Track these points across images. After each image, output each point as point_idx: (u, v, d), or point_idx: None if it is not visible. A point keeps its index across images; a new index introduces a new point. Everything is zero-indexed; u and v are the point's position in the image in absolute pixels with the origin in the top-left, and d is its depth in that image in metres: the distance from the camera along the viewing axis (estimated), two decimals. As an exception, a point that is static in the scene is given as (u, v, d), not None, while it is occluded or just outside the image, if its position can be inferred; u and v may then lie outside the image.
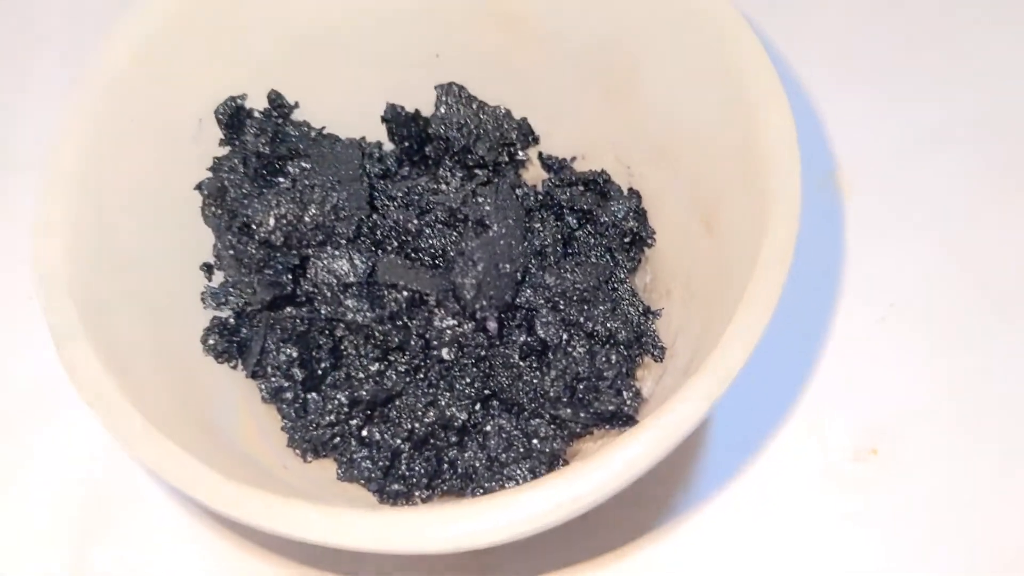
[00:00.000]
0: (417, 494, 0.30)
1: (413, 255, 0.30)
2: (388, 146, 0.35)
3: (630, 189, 0.34)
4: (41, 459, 0.36)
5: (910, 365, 0.37)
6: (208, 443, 0.26)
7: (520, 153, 0.35)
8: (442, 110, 0.34)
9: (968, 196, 0.40)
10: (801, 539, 0.34)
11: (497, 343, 0.29)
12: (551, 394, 0.29)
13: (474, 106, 0.34)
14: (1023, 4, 0.44)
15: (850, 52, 0.44)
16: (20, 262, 0.39)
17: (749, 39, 0.27)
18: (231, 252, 0.29)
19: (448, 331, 0.29)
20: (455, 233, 0.30)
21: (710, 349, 0.24)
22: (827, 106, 0.42)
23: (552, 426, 0.29)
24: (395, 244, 0.30)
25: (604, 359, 0.29)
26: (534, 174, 0.36)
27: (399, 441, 0.30)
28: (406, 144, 0.34)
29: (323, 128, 0.33)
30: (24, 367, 0.38)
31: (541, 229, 0.32)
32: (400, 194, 0.32)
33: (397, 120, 0.34)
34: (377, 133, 0.35)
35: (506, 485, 0.29)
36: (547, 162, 0.35)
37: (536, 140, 0.35)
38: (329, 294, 0.29)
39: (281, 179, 0.30)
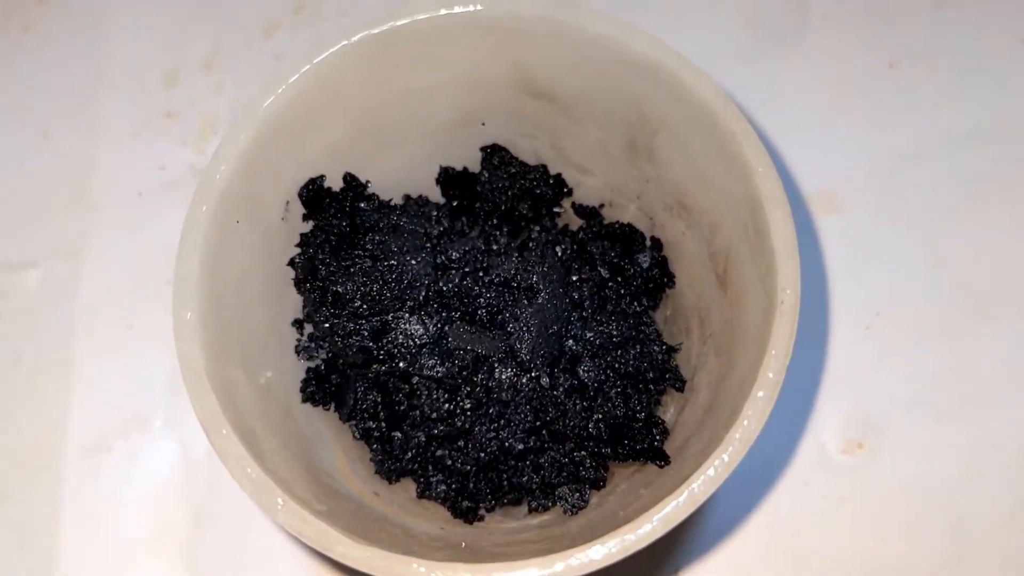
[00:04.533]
0: (483, 506, 0.37)
1: (474, 313, 0.36)
2: (441, 198, 0.40)
3: (652, 237, 0.39)
4: (148, 468, 0.43)
5: (893, 368, 0.43)
6: (321, 492, 0.32)
7: (556, 207, 0.40)
8: (486, 174, 0.39)
9: (942, 210, 0.46)
10: (800, 520, 0.41)
11: (548, 390, 0.35)
12: (593, 433, 0.35)
13: (515, 167, 0.39)
14: (979, 36, 0.49)
15: (836, 76, 0.48)
16: (113, 295, 0.45)
17: (754, 142, 0.32)
18: (327, 325, 0.35)
19: (507, 380, 0.35)
20: (509, 294, 0.36)
21: (730, 417, 0.30)
22: (813, 133, 0.47)
23: (594, 458, 0.35)
24: (459, 305, 0.36)
25: (636, 401, 0.35)
26: (567, 218, 0.41)
27: (468, 467, 0.36)
28: (456, 203, 0.40)
29: (390, 200, 0.38)
30: (131, 388, 0.44)
31: (578, 283, 0.37)
32: (458, 255, 0.37)
33: (449, 180, 0.39)
34: (432, 188, 0.40)
35: (557, 503, 0.36)
36: (579, 210, 0.40)
37: (570, 192, 0.40)
38: (408, 354, 0.35)
39: (359, 252, 0.36)
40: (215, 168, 0.32)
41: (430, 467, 0.36)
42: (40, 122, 0.48)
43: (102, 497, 0.42)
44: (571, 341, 0.36)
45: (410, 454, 0.36)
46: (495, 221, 0.39)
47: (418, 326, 0.35)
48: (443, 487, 0.36)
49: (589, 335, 0.36)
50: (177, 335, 0.30)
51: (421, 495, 0.37)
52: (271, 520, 0.29)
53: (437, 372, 0.35)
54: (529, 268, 0.36)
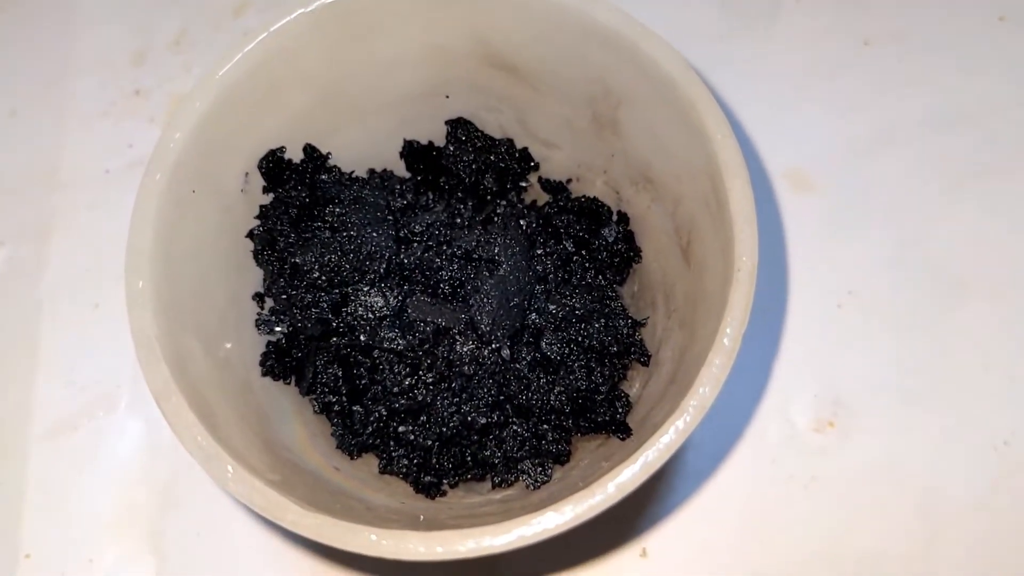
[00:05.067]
0: (446, 482, 0.36)
1: (436, 286, 0.36)
2: (407, 175, 0.40)
3: (619, 212, 0.39)
4: (114, 448, 0.42)
5: (865, 347, 0.43)
6: (277, 463, 0.32)
7: (522, 181, 0.40)
8: (452, 147, 0.39)
9: (915, 190, 0.45)
10: (768, 499, 0.41)
11: (510, 363, 0.35)
12: (555, 406, 0.35)
13: (480, 140, 0.39)
14: (956, 14, 0.48)
15: (809, 56, 0.48)
16: (79, 273, 0.44)
17: (714, 111, 0.31)
18: (284, 296, 0.34)
19: (468, 353, 0.35)
20: (471, 267, 0.36)
21: (687, 384, 0.29)
22: (786, 113, 0.47)
23: (557, 431, 0.35)
24: (420, 277, 0.36)
25: (600, 374, 0.35)
26: (535, 192, 0.41)
27: (430, 442, 0.36)
28: (421, 176, 0.39)
29: (352, 172, 0.38)
30: (97, 368, 0.43)
31: (543, 256, 0.37)
32: (421, 228, 0.37)
33: (413, 154, 0.39)
34: (397, 163, 0.40)
35: (520, 478, 0.35)
36: (546, 185, 0.40)
37: (536, 167, 0.40)
38: (368, 326, 0.34)
39: (319, 224, 0.35)
40: (169, 136, 0.32)
41: (392, 442, 0.36)
42: (7, 101, 0.47)
43: (67, 477, 0.42)
44: (534, 314, 0.36)
45: (371, 428, 0.35)
46: (460, 195, 0.39)
47: (378, 298, 0.35)
48: (405, 462, 0.36)
49: (552, 307, 0.36)
50: (129, 303, 0.30)
51: (383, 471, 0.36)
52: (221, 489, 0.29)
53: (397, 345, 0.34)
54: (490, 240, 0.35)
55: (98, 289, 0.44)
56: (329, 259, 0.34)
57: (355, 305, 0.35)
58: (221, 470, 0.28)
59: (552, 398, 0.35)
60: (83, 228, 0.45)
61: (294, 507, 0.28)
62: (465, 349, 0.34)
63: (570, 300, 0.36)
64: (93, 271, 0.44)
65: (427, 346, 0.35)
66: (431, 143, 0.40)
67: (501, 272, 0.35)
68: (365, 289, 0.35)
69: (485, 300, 0.34)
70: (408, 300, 0.35)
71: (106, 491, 0.41)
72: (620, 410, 0.35)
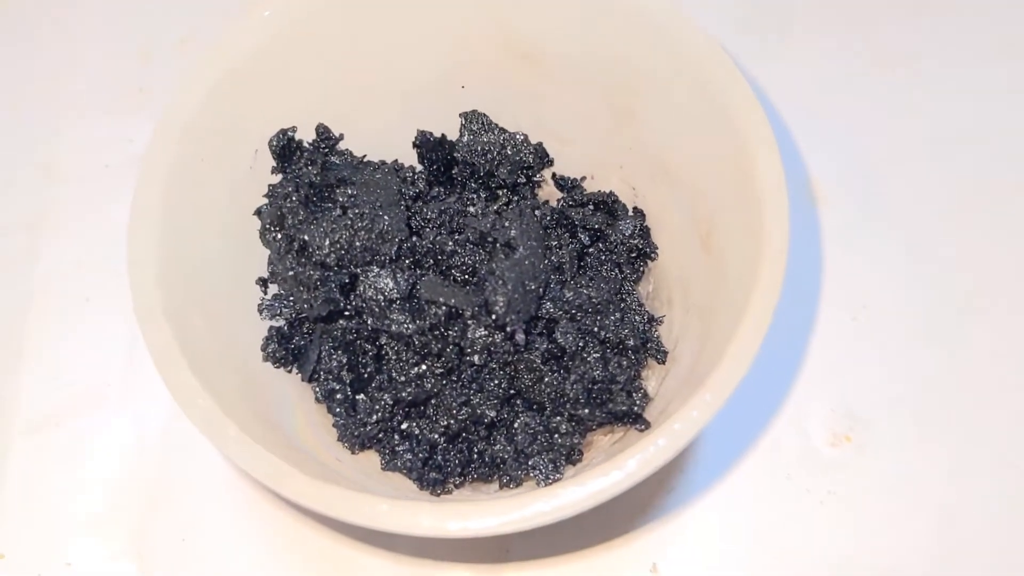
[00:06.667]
0: (452, 481, 0.34)
1: (447, 272, 0.34)
2: (419, 167, 0.39)
3: (635, 208, 0.38)
4: (98, 446, 0.40)
5: (880, 360, 0.42)
6: (279, 443, 0.30)
7: (537, 175, 0.39)
8: (466, 137, 0.38)
9: (930, 205, 0.45)
10: (783, 514, 0.39)
11: (523, 351, 0.34)
12: (570, 395, 0.33)
13: (495, 133, 0.38)
14: (979, 31, 0.49)
15: (822, 75, 0.48)
16: (71, 267, 0.43)
17: (739, 83, 0.31)
18: (291, 273, 0.33)
19: (480, 340, 0.33)
20: (484, 252, 0.34)
21: (713, 364, 0.28)
22: (802, 125, 0.46)
23: (571, 423, 0.34)
24: (432, 262, 0.34)
25: (616, 364, 0.34)
26: (548, 192, 0.40)
27: (436, 435, 0.34)
28: (434, 167, 0.38)
29: (364, 156, 0.37)
30: (85, 364, 0.42)
31: (558, 247, 0.36)
32: (433, 215, 0.36)
33: (427, 145, 0.38)
34: (408, 155, 0.39)
35: (530, 474, 0.34)
36: (560, 182, 0.39)
37: (551, 162, 0.39)
38: (377, 309, 0.33)
39: (330, 204, 0.34)
40: (180, 100, 0.31)
41: (395, 435, 0.34)
42: (9, 92, 0.46)
43: (48, 475, 0.39)
44: (549, 304, 0.34)
45: (375, 417, 0.34)
46: (473, 186, 0.38)
47: (388, 280, 0.33)
48: (409, 456, 0.34)
49: (569, 295, 0.34)
50: (131, 262, 0.29)
51: (386, 467, 0.34)
52: (221, 454, 0.27)
53: (407, 328, 0.33)
54: (506, 224, 0.34)
55: (90, 283, 0.43)
56: (340, 236, 0.33)
57: (364, 287, 0.33)
58: (222, 433, 0.27)
59: (568, 387, 0.33)
60: (79, 221, 0.44)
61: (300, 475, 0.26)
62: (477, 334, 0.33)
63: (586, 289, 0.35)
64: (86, 265, 0.43)
65: (438, 331, 0.33)
66: (444, 136, 0.39)
67: (517, 256, 0.33)
68: (375, 271, 0.33)
69: (500, 282, 0.33)
70: (420, 281, 0.33)
71: (88, 491, 0.39)
72: (638, 401, 0.33)
